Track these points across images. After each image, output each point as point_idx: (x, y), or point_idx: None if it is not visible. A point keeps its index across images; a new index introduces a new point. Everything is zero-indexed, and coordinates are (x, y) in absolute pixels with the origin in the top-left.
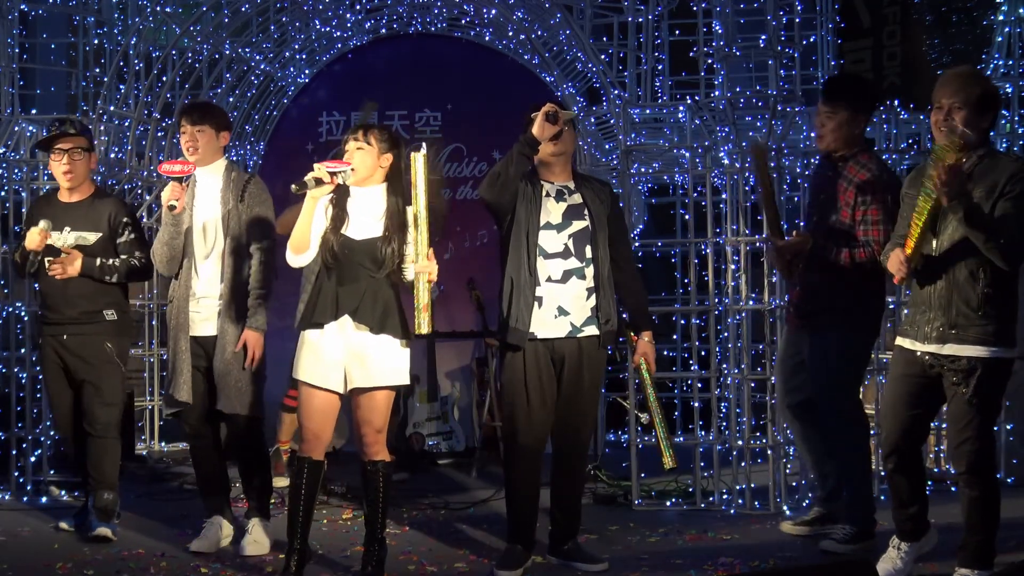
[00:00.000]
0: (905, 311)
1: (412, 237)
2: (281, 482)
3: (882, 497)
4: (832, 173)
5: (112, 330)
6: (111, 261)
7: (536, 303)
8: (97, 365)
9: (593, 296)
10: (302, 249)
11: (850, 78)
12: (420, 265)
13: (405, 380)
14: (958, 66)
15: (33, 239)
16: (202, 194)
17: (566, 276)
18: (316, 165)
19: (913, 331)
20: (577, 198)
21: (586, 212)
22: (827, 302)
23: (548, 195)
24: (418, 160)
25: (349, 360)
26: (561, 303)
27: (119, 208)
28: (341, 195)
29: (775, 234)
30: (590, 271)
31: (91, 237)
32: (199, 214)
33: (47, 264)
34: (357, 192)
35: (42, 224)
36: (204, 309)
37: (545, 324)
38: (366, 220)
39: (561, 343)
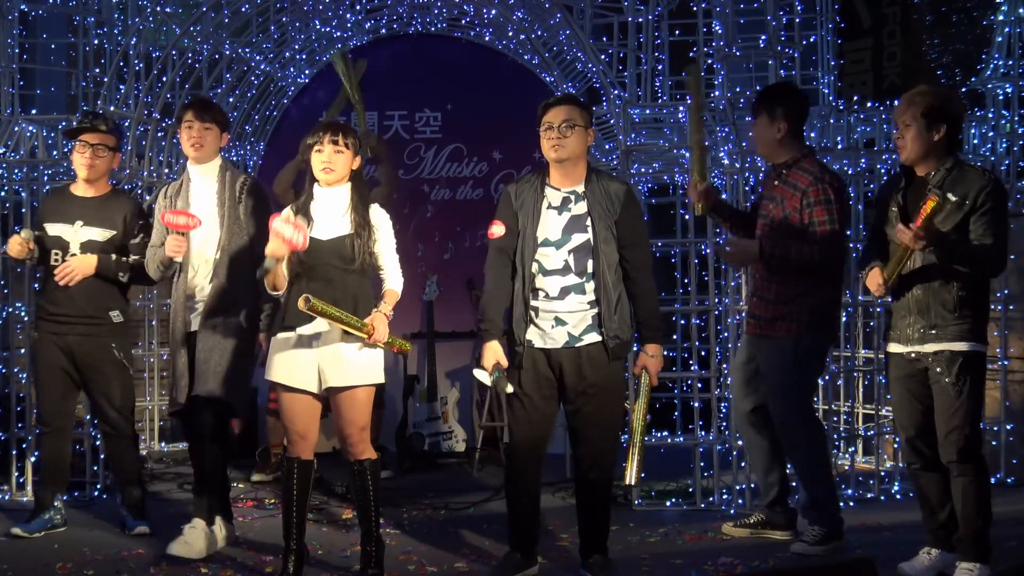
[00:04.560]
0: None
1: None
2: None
3: (882, 498)
4: (778, 181)
5: (118, 331)
6: (125, 258)
7: (533, 313)
8: (106, 369)
9: (595, 308)
10: (279, 289)
11: (771, 87)
12: (377, 336)
13: (380, 378)
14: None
15: (13, 247)
16: (197, 193)
17: (564, 293)
18: (272, 229)
19: (897, 335)
20: (581, 207)
21: (588, 223)
22: (782, 308)
23: (550, 206)
24: (306, 305)
25: (322, 360)
26: (558, 315)
27: (136, 209)
28: (305, 199)
29: (700, 173)
30: (591, 286)
31: (104, 234)
32: (194, 213)
33: (54, 261)
34: (322, 193)
35: (24, 234)
36: (198, 307)
37: (541, 335)
38: (331, 219)
39: (559, 352)
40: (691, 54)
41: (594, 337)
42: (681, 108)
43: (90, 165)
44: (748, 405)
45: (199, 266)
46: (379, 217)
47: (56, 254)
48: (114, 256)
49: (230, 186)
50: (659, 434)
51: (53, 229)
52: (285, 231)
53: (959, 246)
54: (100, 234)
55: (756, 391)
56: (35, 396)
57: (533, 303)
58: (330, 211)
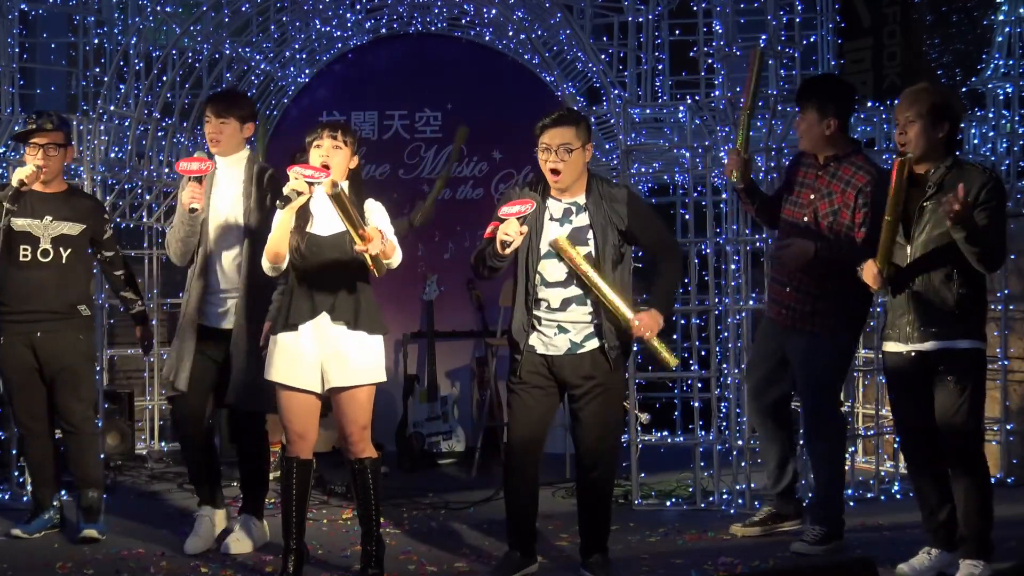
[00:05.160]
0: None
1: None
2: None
3: (882, 498)
4: (822, 172)
5: (86, 325)
6: (130, 294)
7: (536, 321)
8: (73, 361)
9: (597, 319)
10: (279, 260)
11: (819, 78)
12: (371, 246)
13: (382, 377)
14: (920, 83)
15: (24, 170)
16: (222, 185)
17: (565, 304)
18: (292, 173)
19: (896, 334)
20: (583, 218)
21: (590, 236)
22: (824, 302)
23: (552, 218)
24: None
25: (326, 359)
26: (561, 324)
27: (99, 205)
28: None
29: (743, 145)
30: (591, 297)
31: (76, 228)
32: (219, 206)
33: (23, 256)
34: (321, 190)
35: (31, 167)
36: (221, 303)
37: (544, 342)
38: (331, 216)
39: (560, 359)
40: (691, 54)
41: (595, 343)
42: (681, 108)
43: (43, 166)
44: (770, 398)
45: (220, 260)
46: (373, 209)
47: (25, 249)
48: (137, 308)
49: (256, 178)
50: (659, 434)
51: (19, 225)
52: (307, 175)
53: (980, 231)
54: (72, 227)
55: (779, 384)
56: (9, 401)
57: (535, 312)
58: (329, 208)
